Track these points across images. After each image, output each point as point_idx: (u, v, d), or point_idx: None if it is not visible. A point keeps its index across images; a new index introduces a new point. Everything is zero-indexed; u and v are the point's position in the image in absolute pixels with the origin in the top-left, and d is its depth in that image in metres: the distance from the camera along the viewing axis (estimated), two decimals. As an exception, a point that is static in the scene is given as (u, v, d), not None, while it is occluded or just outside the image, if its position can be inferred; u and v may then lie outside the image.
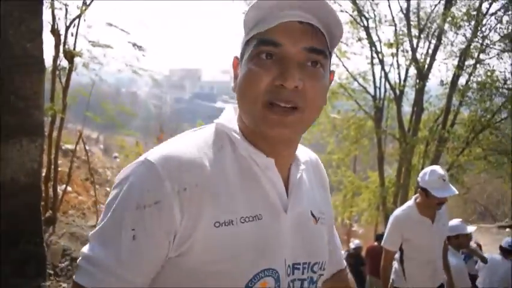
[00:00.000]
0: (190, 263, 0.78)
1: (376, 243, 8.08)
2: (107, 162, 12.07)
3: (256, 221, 0.83)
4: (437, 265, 3.29)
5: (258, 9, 0.81)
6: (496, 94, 10.06)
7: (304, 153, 1.02)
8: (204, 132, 0.89)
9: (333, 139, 14.77)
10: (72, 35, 3.88)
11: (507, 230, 12.26)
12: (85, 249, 0.78)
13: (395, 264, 3.38)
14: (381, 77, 13.22)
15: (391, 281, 3.40)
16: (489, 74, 10.20)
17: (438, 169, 3.11)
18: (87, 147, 3.97)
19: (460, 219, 4.40)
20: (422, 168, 11.80)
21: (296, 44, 0.80)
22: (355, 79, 13.22)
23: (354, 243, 9.15)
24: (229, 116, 0.92)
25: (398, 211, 3.37)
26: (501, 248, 5.07)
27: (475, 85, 10.83)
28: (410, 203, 3.31)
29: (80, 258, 0.78)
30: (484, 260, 4.56)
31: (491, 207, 18.51)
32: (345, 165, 15.72)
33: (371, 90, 13.25)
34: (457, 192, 3.13)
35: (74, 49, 3.90)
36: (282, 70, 0.79)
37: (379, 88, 13.25)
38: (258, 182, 0.86)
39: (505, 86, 9.78)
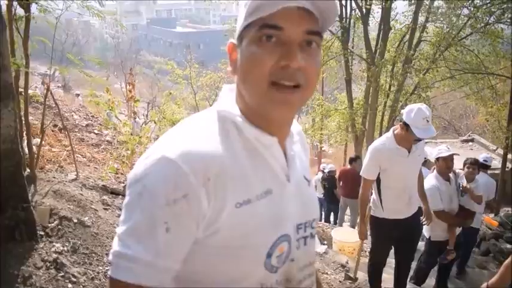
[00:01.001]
0: (217, 241, 0.87)
1: (349, 166, 8.40)
2: (69, 102, 11.72)
3: (269, 195, 0.93)
4: (412, 193, 3.51)
5: None
6: (462, 10, 10.07)
7: (294, 125, 1.11)
8: (208, 120, 0.95)
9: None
10: (23, -21, 3.59)
11: (470, 143, 12.94)
12: (117, 247, 0.83)
13: (373, 194, 3.59)
14: (346, -6, 12.96)
15: (368, 209, 3.62)
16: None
17: (425, 109, 3.19)
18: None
19: (446, 145, 4.55)
20: (390, 89, 12.16)
21: (297, 27, 0.87)
22: (320, -2, 12.87)
23: (328, 166, 9.45)
24: (229, 101, 0.98)
25: (376, 142, 3.53)
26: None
27: (440, 1, 10.81)
28: (388, 134, 3.46)
29: (113, 256, 0.83)
30: (478, 201, 4.68)
31: (455, 121, 19.33)
32: (313, 88, 15.75)
33: (337, 9, 12.99)
34: (435, 134, 3.28)
35: (29, -5, 3.62)
36: (286, 52, 0.87)
37: (345, 7, 13.03)
38: (264, 160, 0.95)
39: (473, 3, 9.77)
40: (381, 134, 13.02)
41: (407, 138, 3.28)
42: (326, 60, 13.91)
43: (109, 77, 28.67)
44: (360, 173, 3.57)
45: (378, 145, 3.45)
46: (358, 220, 8.88)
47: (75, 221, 3.20)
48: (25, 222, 2.80)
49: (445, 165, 4.13)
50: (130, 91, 4.23)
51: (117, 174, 4.74)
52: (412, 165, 3.47)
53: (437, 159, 4.17)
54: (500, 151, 10.25)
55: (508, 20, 9.57)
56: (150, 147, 0.89)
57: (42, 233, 2.98)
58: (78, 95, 15.13)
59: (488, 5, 9.45)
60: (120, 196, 4.03)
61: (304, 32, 0.87)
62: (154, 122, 4.36)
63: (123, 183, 4.44)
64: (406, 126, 3.24)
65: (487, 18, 9.68)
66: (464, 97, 12.08)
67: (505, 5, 9.22)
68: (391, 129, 3.49)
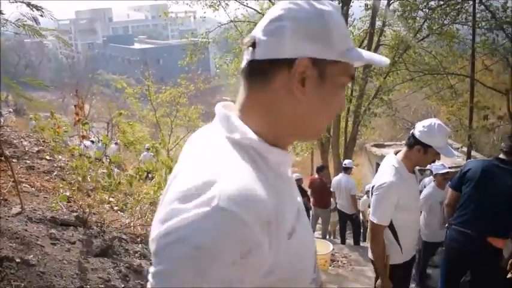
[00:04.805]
0: (276, 278, 0.81)
1: (317, 176, 8.32)
2: (23, 126, 11.17)
3: (299, 218, 0.90)
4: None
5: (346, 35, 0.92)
6: (417, 12, 10.26)
7: None
8: (229, 152, 0.84)
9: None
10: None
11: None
12: None
13: (385, 239, 2.89)
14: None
15: (386, 258, 2.89)
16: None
17: (444, 125, 2.73)
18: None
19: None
20: (352, 94, 12.24)
21: None
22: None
23: (294, 175, 9.36)
24: (240, 126, 0.88)
25: (389, 176, 2.73)
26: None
27: (396, 5, 11.00)
28: (394, 162, 2.78)
29: None
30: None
31: (417, 122, 19.52)
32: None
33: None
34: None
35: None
36: (344, 101, 0.97)
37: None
38: (286, 181, 0.92)
39: (428, 6, 9.96)
40: (345, 140, 13.09)
41: (421, 162, 2.79)
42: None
43: (65, 98, 27.85)
44: (374, 220, 2.76)
45: (395, 180, 2.69)
46: (331, 231, 8.77)
47: (18, 260, 2.88)
48: (-44, 268, 2.49)
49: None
50: (77, 113, 3.93)
51: (69, 202, 4.42)
52: (418, 189, 3.04)
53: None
54: (464, 149, 10.42)
55: (463, 21, 9.81)
56: (172, 192, 0.76)
57: (-20, 279, 2.67)
58: (31, 118, 14.52)
59: (443, 6, 9.66)
60: (71, 227, 3.72)
61: None
62: (105, 144, 4.05)
63: (76, 212, 4.12)
64: (424, 147, 2.68)
65: (443, 20, 9.91)
66: (425, 98, 12.28)
67: (459, 6, 9.45)
68: (392, 157, 2.83)
